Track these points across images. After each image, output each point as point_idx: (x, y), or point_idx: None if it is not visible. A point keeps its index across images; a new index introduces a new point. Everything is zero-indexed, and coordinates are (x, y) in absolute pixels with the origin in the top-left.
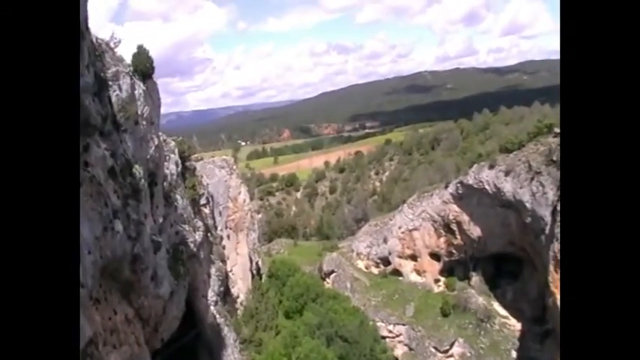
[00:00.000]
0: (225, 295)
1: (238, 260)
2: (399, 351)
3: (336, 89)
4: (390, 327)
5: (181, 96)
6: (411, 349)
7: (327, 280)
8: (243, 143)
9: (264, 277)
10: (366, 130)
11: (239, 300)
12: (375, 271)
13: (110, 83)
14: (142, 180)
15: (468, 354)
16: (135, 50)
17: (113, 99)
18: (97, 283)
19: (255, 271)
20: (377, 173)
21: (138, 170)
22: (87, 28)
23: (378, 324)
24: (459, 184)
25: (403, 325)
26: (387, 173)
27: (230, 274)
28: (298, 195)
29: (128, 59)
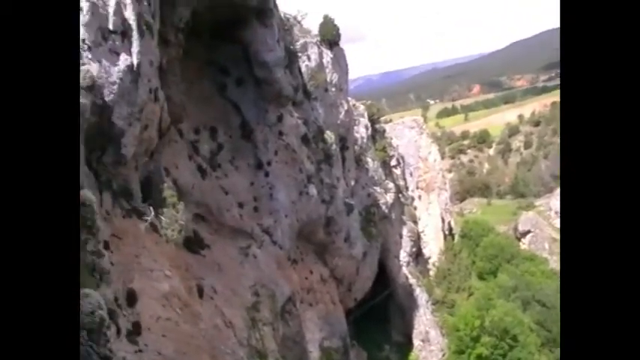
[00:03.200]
0: (417, 256)
1: (430, 221)
2: None
3: (527, 37)
4: None
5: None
6: None
7: (522, 240)
8: (432, 102)
9: (456, 237)
10: None
11: (431, 261)
12: None
13: (299, 54)
14: (334, 145)
15: None
16: (321, 20)
17: (303, 69)
18: (294, 244)
19: (447, 232)
20: None
21: (329, 136)
22: (275, 5)
23: None
24: None
25: None
26: None
27: (422, 234)
28: (491, 152)
29: (315, 29)
